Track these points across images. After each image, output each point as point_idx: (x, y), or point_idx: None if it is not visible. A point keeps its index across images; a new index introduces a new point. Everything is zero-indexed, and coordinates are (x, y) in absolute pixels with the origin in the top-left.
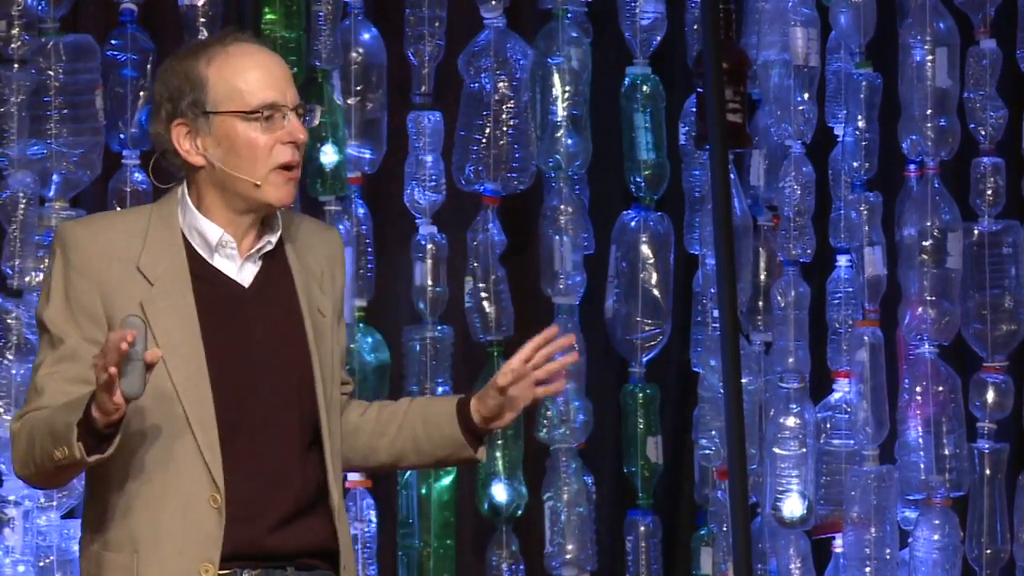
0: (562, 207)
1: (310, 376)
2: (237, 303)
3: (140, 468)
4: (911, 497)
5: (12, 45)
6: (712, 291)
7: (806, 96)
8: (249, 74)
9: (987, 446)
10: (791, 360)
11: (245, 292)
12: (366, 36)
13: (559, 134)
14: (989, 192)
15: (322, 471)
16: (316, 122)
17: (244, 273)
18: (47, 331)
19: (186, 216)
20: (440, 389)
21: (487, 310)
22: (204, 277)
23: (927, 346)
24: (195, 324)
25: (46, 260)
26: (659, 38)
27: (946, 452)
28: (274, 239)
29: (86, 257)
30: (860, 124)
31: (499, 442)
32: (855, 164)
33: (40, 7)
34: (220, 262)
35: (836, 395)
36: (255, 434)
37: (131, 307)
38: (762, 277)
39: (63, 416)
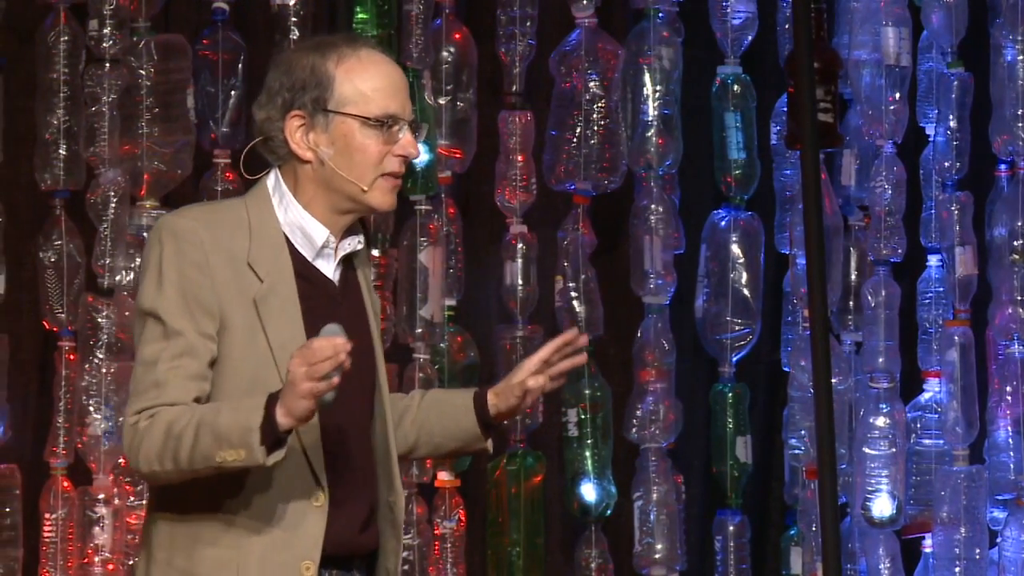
0: (652, 207)
1: (375, 379)
2: (332, 303)
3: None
4: (1001, 497)
5: (104, 44)
6: (802, 291)
7: (897, 96)
8: (376, 82)
9: None
10: (881, 360)
11: (337, 292)
12: (457, 35)
13: (650, 134)
14: None
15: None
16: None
17: (336, 273)
18: (161, 322)
19: (288, 212)
20: None
21: (577, 310)
22: (305, 276)
23: (1017, 346)
24: (300, 324)
25: (145, 251)
26: (750, 38)
27: None
28: (361, 241)
29: (202, 251)
30: (951, 124)
31: (588, 442)
32: (946, 164)
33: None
34: (319, 261)
35: (926, 395)
36: (347, 436)
37: (245, 304)
38: (852, 277)
39: (232, 419)
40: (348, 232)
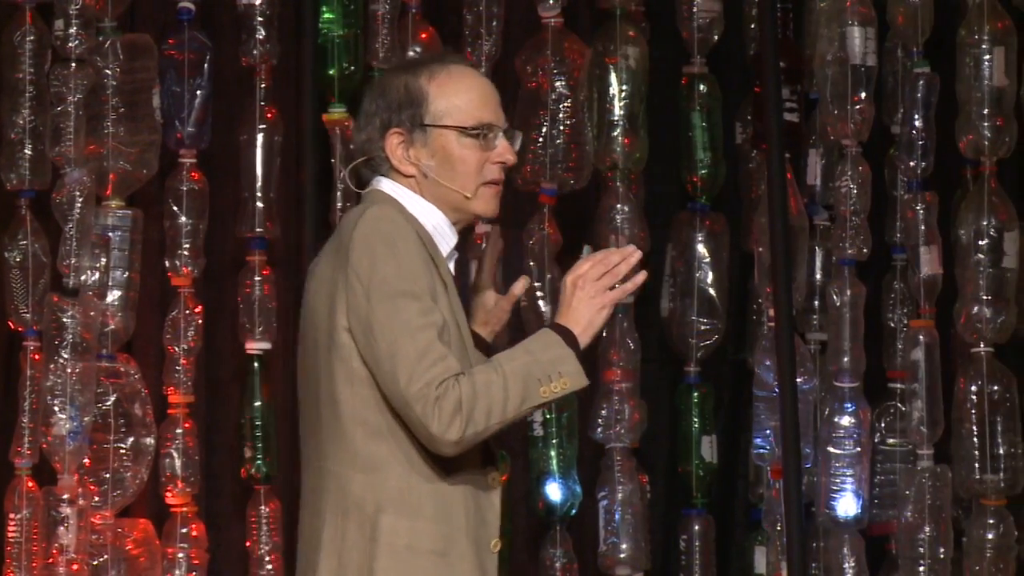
0: (618, 206)
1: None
2: (456, 297)
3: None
4: (965, 496)
5: (70, 44)
6: (768, 290)
7: (863, 95)
8: (469, 93)
9: None
10: (846, 359)
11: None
12: (423, 36)
13: (616, 133)
14: None
15: None
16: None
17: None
18: (416, 299)
19: (424, 213)
20: None
21: (543, 309)
22: (446, 270)
23: (982, 346)
24: (463, 311)
25: (366, 242)
26: (716, 37)
27: (1000, 451)
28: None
29: (415, 237)
30: (917, 123)
31: (554, 441)
32: (912, 163)
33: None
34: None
35: (891, 394)
36: None
37: (440, 292)
38: (818, 276)
39: (540, 358)
40: None
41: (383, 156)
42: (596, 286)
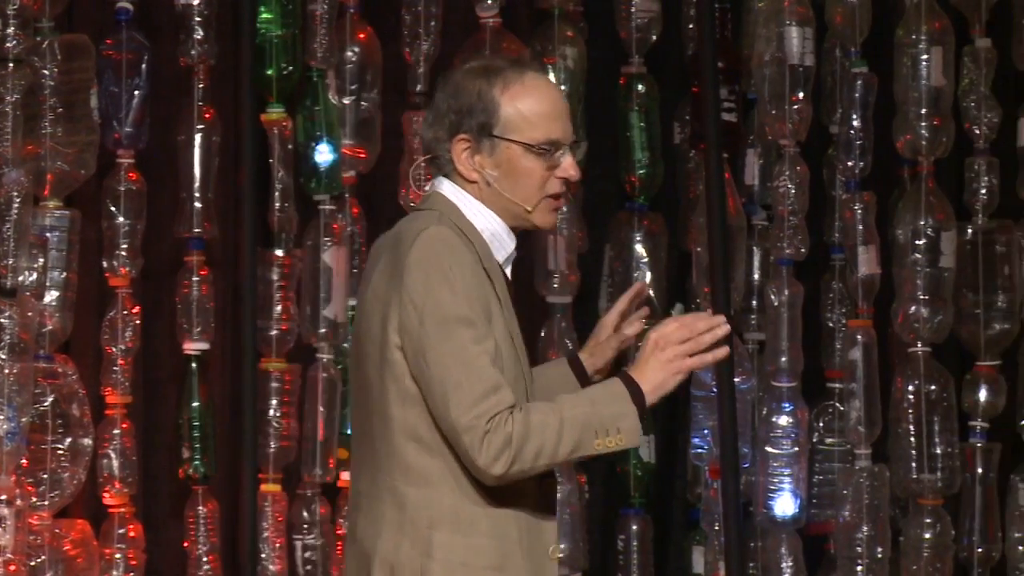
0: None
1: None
2: (512, 303)
3: None
4: (902, 496)
5: (7, 44)
6: (705, 290)
7: (801, 95)
8: (540, 108)
9: (979, 445)
10: (784, 359)
11: (513, 293)
12: (361, 35)
13: None
14: (983, 191)
15: None
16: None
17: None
18: (471, 326)
19: (482, 219)
20: None
21: None
22: (504, 278)
23: (920, 345)
24: (515, 320)
25: (420, 260)
26: (654, 37)
27: (937, 451)
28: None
29: (468, 256)
30: (855, 123)
31: None
32: (849, 163)
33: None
34: (505, 264)
35: (829, 394)
36: None
37: (494, 303)
38: (756, 276)
39: (602, 408)
40: None
41: (448, 158)
42: (676, 350)
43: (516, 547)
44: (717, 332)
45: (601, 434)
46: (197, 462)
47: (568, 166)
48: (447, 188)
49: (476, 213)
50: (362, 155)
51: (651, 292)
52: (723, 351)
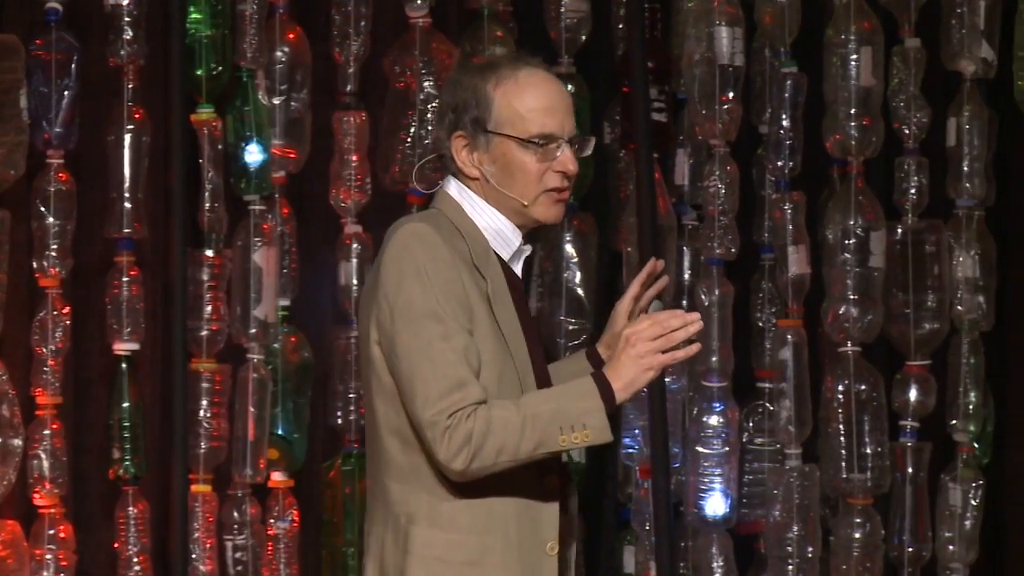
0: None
1: (547, 375)
2: (523, 300)
3: None
4: (832, 495)
5: None
6: None
7: (731, 95)
8: (533, 103)
9: (909, 445)
10: (714, 359)
11: (523, 290)
12: (291, 35)
13: None
14: (913, 191)
15: None
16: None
17: (519, 273)
18: (440, 322)
19: (484, 216)
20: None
21: None
22: (508, 274)
23: (849, 345)
24: (517, 319)
25: (393, 256)
26: (584, 37)
27: (867, 451)
28: (530, 248)
29: (447, 252)
30: (784, 123)
31: None
32: (779, 163)
33: None
34: (512, 262)
35: (759, 394)
36: None
37: (481, 300)
38: (686, 276)
39: (569, 404)
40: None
41: (451, 156)
42: (648, 346)
43: (501, 542)
44: (690, 329)
45: (566, 430)
46: (127, 463)
47: (565, 160)
48: (452, 187)
49: (479, 211)
50: (292, 155)
51: (581, 292)
52: (694, 347)
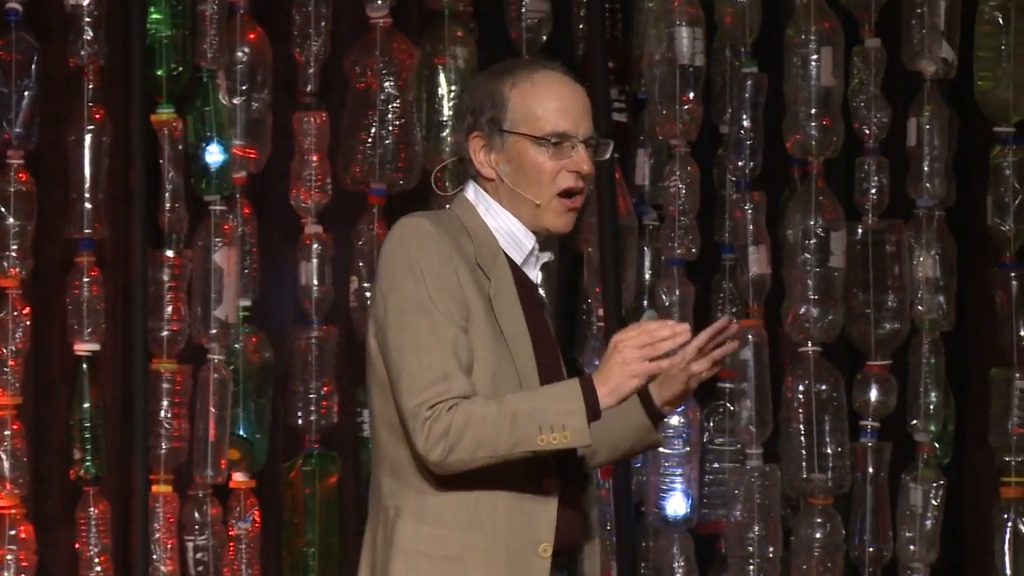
0: (447, 206)
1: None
2: (538, 305)
3: None
4: (793, 495)
5: None
6: (597, 290)
7: (691, 95)
8: (547, 103)
9: (870, 445)
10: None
11: (538, 295)
12: (251, 36)
13: (445, 133)
14: (873, 191)
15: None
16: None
17: (538, 280)
18: (428, 315)
19: (497, 219)
20: (324, 389)
21: None
22: (518, 277)
23: (810, 345)
24: (523, 321)
25: (389, 250)
26: (544, 37)
27: (828, 451)
28: (552, 255)
29: (446, 248)
30: (745, 123)
31: None
32: (740, 163)
33: None
34: (525, 266)
35: (720, 394)
36: None
37: (481, 299)
38: (647, 276)
39: (550, 404)
40: (545, 244)
41: (468, 158)
42: (635, 354)
43: (486, 539)
44: (677, 339)
45: (546, 430)
46: (88, 463)
47: (579, 159)
48: (470, 190)
49: (493, 213)
50: (252, 155)
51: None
52: (678, 358)
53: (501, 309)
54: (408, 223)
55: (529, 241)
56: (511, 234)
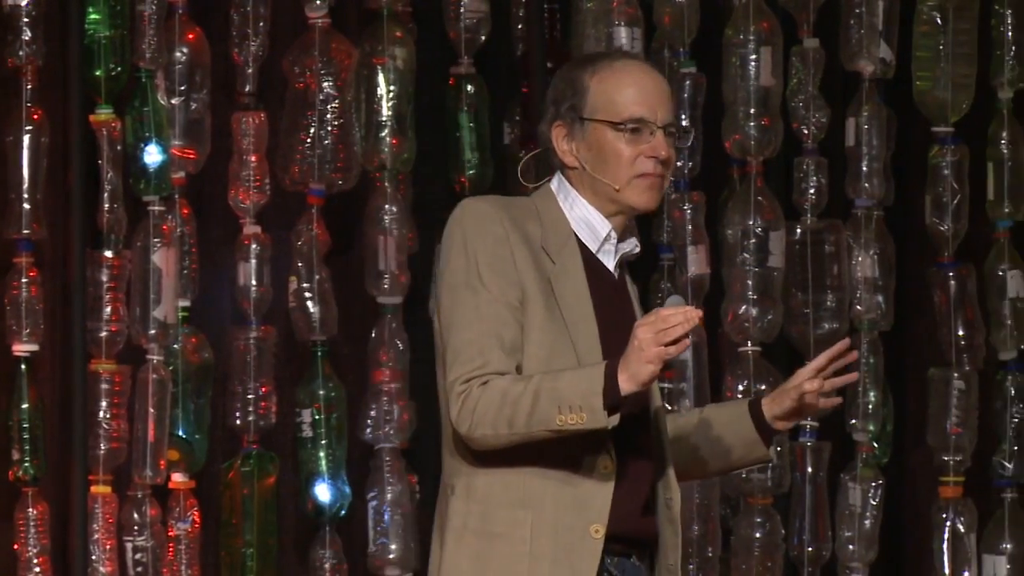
0: (386, 207)
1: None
2: (614, 292)
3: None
4: (732, 495)
5: None
6: None
7: None
8: (626, 90)
9: (809, 444)
10: None
11: (617, 284)
12: (190, 36)
13: (384, 134)
14: (812, 191)
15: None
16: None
17: (616, 270)
18: (476, 293)
19: (574, 207)
20: (263, 390)
21: (311, 310)
22: (590, 264)
23: (749, 345)
24: (589, 304)
25: (447, 231)
26: (483, 38)
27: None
28: (637, 247)
29: (503, 228)
30: (684, 123)
31: (323, 442)
32: (679, 163)
33: None
34: (601, 255)
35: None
36: (627, 417)
37: (541, 281)
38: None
39: (572, 385)
40: (626, 235)
41: (552, 148)
42: (650, 339)
43: (533, 517)
44: (687, 325)
45: (564, 410)
46: (27, 464)
47: (656, 144)
48: (555, 180)
49: (571, 202)
50: (191, 156)
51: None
52: (686, 343)
53: (564, 291)
54: (467, 204)
55: (604, 228)
56: (587, 222)
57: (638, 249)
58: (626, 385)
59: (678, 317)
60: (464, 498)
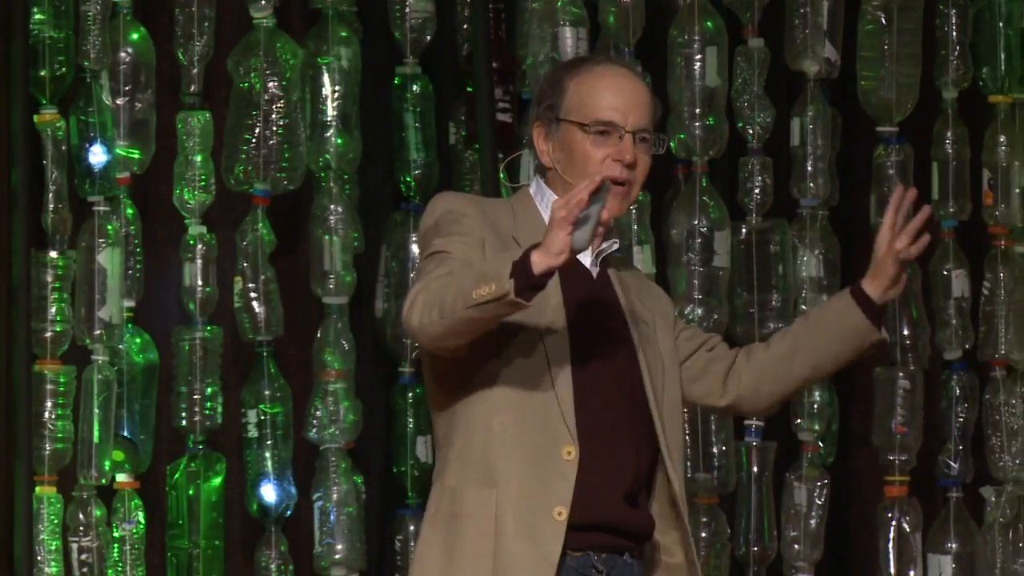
0: (331, 207)
1: (639, 375)
2: (586, 286)
3: (503, 410)
4: None
5: None
6: None
7: None
8: (600, 93)
9: (754, 444)
10: None
11: (592, 280)
12: (135, 36)
13: (329, 134)
14: (757, 191)
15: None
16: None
17: (594, 268)
18: (439, 229)
19: (549, 205)
20: (209, 390)
21: (256, 310)
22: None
23: None
24: (559, 293)
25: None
26: (428, 37)
27: (713, 450)
28: (616, 244)
29: (476, 209)
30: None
31: (268, 442)
32: None
33: None
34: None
35: None
36: (599, 408)
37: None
38: None
39: (492, 260)
40: (607, 235)
41: (533, 148)
42: (559, 207)
43: (500, 497)
44: (590, 187)
45: (480, 283)
46: None
47: (623, 149)
48: (533, 183)
49: (547, 203)
50: (136, 156)
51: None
52: (599, 205)
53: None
54: (442, 194)
55: None
56: None
57: (616, 245)
58: (537, 257)
59: (580, 186)
60: (439, 485)
